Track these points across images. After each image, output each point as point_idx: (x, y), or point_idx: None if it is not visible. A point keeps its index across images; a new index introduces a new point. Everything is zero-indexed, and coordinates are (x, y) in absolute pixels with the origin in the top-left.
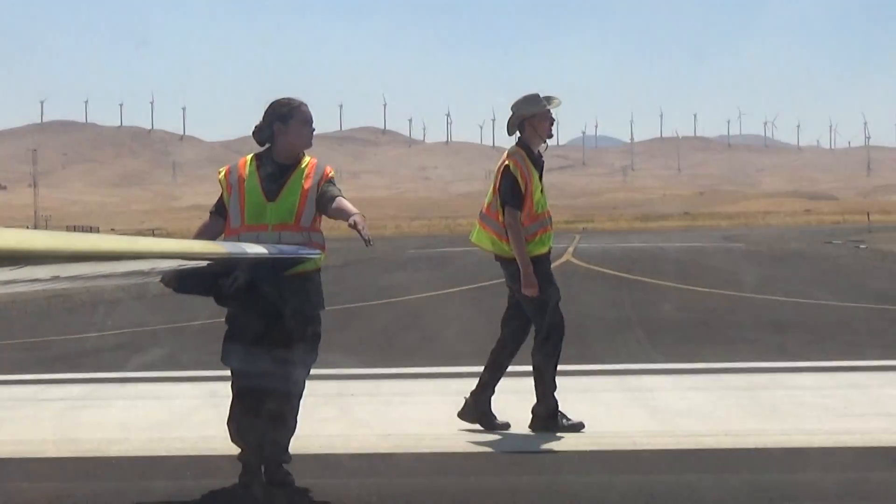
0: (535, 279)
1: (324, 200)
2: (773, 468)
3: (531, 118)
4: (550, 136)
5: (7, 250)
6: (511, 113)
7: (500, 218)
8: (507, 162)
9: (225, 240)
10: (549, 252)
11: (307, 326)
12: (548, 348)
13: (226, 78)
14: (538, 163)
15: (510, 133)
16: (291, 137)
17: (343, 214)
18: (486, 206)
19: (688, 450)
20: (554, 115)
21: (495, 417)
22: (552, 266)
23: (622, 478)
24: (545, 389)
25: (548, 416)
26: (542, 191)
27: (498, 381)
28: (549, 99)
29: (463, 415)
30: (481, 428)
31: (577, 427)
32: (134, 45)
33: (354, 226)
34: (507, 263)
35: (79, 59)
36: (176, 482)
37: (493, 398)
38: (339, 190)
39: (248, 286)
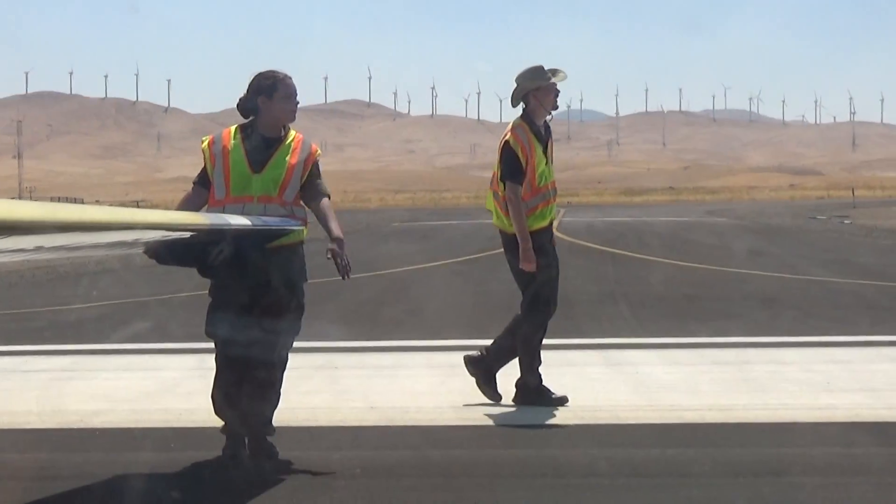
0: (533, 255)
1: (311, 191)
2: (756, 442)
3: (536, 91)
4: (556, 108)
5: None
6: (516, 85)
7: (502, 192)
8: (507, 137)
9: (209, 211)
10: (549, 224)
11: (291, 299)
12: (533, 322)
13: (211, 50)
14: (541, 135)
15: (514, 105)
16: (276, 110)
17: (326, 228)
18: (493, 179)
19: (671, 424)
20: (559, 88)
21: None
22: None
23: (606, 451)
24: (529, 363)
25: (532, 390)
26: (547, 163)
27: (511, 348)
28: (553, 72)
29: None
30: (465, 401)
31: (561, 401)
32: (123, 11)
33: (333, 257)
34: (508, 237)
35: (64, 30)
36: (160, 453)
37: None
38: (325, 185)
39: (233, 258)
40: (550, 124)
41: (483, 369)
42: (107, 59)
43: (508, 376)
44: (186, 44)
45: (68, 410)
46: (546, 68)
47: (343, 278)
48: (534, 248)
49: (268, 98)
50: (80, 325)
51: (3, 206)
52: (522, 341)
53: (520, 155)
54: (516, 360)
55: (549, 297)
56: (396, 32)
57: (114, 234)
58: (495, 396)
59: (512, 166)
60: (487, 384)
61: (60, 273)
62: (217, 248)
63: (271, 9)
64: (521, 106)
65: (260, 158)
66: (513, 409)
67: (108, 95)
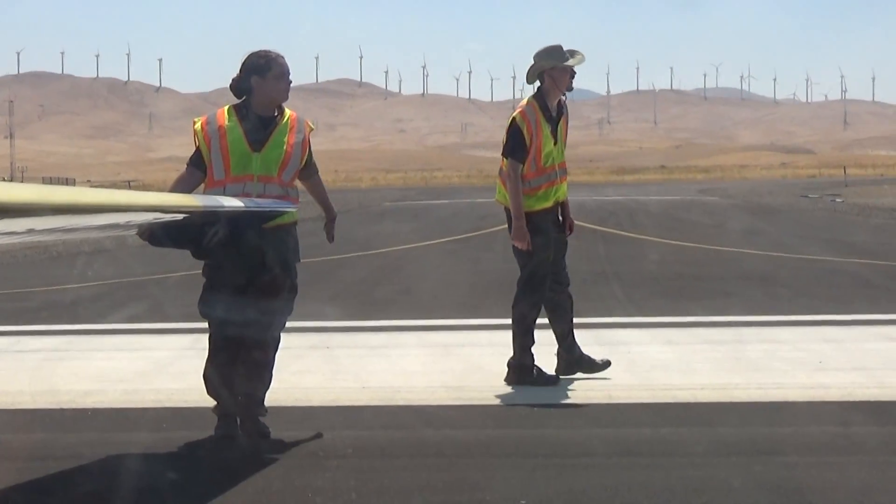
0: (525, 232)
1: (308, 168)
2: (749, 422)
3: (551, 70)
4: (570, 89)
5: None
6: (532, 62)
7: (505, 168)
8: (515, 113)
9: (209, 192)
10: (553, 206)
11: (285, 279)
12: (526, 302)
13: (202, 30)
14: (551, 115)
15: (530, 82)
16: (269, 90)
17: (325, 206)
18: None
19: (663, 403)
20: (576, 70)
21: (595, 360)
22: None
23: (598, 431)
24: (522, 343)
25: (523, 370)
26: (556, 143)
27: (570, 327)
28: (572, 53)
29: (562, 371)
30: (458, 381)
31: (553, 380)
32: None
33: (329, 231)
34: (509, 213)
35: (55, 9)
36: (152, 434)
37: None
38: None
39: (227, 239)
40: (567, 105)
41: (574, 361)
42: (98, 38)
43: (500, 354)
44: (178, 23)
45: (61, 391)
46: (564, 49)
47: (330, 241)
48: (532, 229)
49: (261, 77)
50: (73, 305)
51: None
52: (517, 320)
53: (524, 133)
54: (509, 338)
55: (544, 276)
56: (387, 11)
57: (106, 217)
58: (606, 364)
59: (515, 143)
60: (591, 367)
61: (53, 253)
62: (212, 230)
63: None
64: (536, 84)
65: (258, 138)
66: (506, 388)
67: (100, 75)
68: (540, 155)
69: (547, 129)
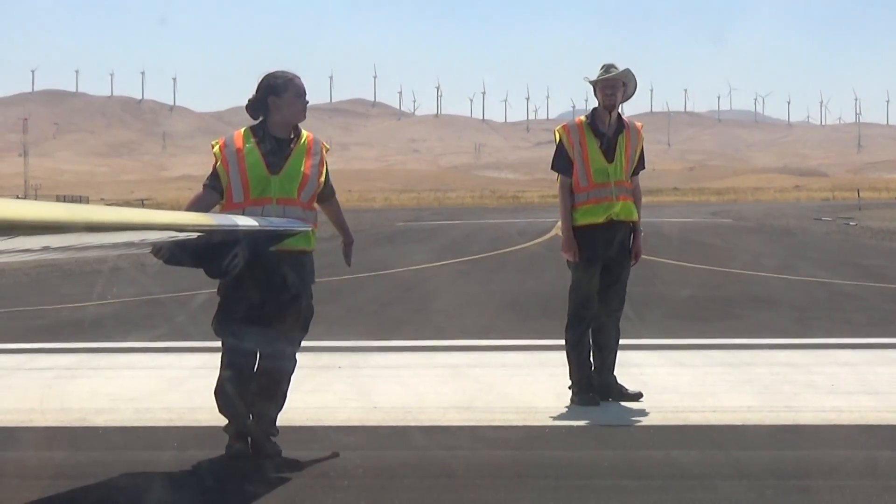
0: (573, 243)
1: (326, 190)
2: (760, 445)
3: (595, 85)
4: (608, 104)
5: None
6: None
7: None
8: (557, 127)
9: (227, 214)
10: (605, 224)
11: (300, 301)
12: (571, 333)
13: (216, 49)
14: (600, 130)
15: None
16: (286, 110)
17: (342, 229)
18: None
19: (674, 426)
20: (613, 84)
21: (627, 390)
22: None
23: (609, 453)
24: (569, 369)
25: (581, 387)
26: (611, 160)
27: (609, 357)
28: (607, 68)
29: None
30: (468, 402)
31: (594, 401)
32: (130, 11)
33: (347, 255)
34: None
35: (70, 28)
36: (163, 452)
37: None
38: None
39: (246, 262)
40: (633, 123)
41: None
42: (113, 57)
43: (514, 377)
44: (192, 43)
45: (72, 409)
46: (607, 65)
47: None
48: (579, 245)
49: (278, 98)
50: (85, 323)
51: (12, 206)
52: (566, 348)
53: (566, 146)
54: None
55: (586, 304)
56: (402, 31)
57: (121, 235)
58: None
59: (557, 158)
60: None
61: (65, 271)
62: (231, 254)
63: (276, 7)
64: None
65: (276, 160)
66: (516, 410)
67: (114, 94)
68: (589, 170)
69: (594, 144)
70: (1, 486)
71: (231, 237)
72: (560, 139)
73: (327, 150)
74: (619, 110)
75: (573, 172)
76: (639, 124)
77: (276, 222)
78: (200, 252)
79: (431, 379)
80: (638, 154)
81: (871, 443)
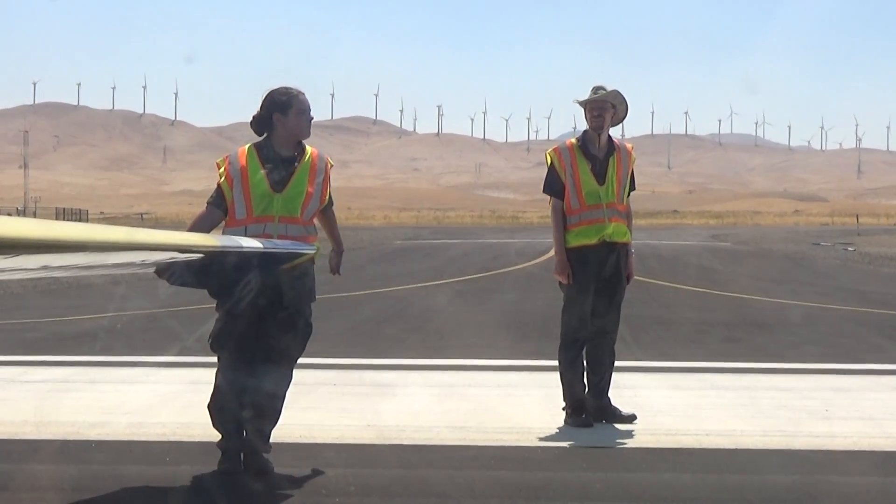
0: (566, 266)
1: (326, 204)
2: (753, 469)
3: (584, 107)
4: (595, 126)
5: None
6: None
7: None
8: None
9: (229, 231)
10: (597, 245)
11: (299, 318)
12: (563, 356)
13: (218, 64)
14: (591, 152)
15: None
16: (290, 127)
17: (334, 238)
18: None
19: (668, 448)
20: (601, 106)
21: (622, 413)
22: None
23: (601, 475)
24: (563, 390)
25: (575, 409)
26: (602, 182)
27: (604, 379)
28: (595, 90)
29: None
30: (463, 421)
31: (587, 423)
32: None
33: (335, 266)
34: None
35: (72, 41)
36: (156, 467)
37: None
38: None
39: (243, 276)
40: (622, 145)
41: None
42: (114, 70)
43: (509, 397)
44: (193, 57)
45: (65, 422)
46: (596, 87)
47: (335, 274)
48: (572, 267)
49: (282, 114)
50: (79, 336)
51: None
52: (560, 371)
53: (558, 170)
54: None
55: (577, 329)
56: (404, 50)
57: (123, 255)
58: (630, 418)
59: (549, 180)
60: (616, 417)
61: (62, 284)
62: (245, 282)
63: (278, 24)
64: None
65: (280, 179)
66: (510, 430)
67: (116, 107)
68: (581, 192)
69: (586, 167)
70: None
71: (234, 258)
72: (551, 162)
73: (332, 166)
74: (621, 129)
75: (565, 195)
76: (629, 146)
77: (281, 244)
78: (204, 272)
79: (426, 398)
80: (629, 176)
81: (864, 468)
